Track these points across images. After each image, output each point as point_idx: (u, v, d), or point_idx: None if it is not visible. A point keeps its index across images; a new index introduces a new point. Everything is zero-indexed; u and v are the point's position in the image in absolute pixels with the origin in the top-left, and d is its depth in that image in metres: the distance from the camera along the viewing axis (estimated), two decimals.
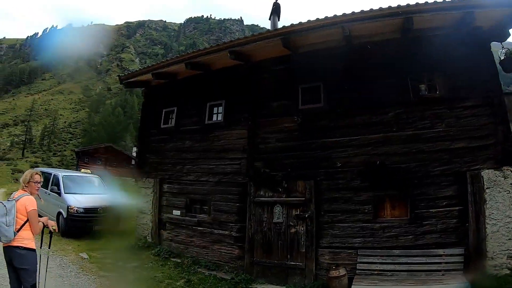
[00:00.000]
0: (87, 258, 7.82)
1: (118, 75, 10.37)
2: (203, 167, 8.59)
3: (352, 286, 5.95)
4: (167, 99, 9.69)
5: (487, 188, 5.91)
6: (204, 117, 8.84)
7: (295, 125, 7.45)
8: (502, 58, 6.27)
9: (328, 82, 7.25)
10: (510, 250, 5.72)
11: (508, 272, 5.71)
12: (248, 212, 7.60)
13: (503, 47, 6.34)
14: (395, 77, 6.75)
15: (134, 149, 40.56)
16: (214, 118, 8.80)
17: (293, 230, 7.08)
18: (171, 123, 9.56)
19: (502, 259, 5.77)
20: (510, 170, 5.83)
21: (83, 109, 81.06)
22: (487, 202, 5.88)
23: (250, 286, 6.98)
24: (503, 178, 5.87)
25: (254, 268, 7.33)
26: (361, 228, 6.56)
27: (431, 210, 6.20)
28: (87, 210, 9.92)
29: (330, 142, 7.04)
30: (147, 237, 9.26)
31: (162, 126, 9.68)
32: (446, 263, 5.91)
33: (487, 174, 5.94)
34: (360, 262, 6.38)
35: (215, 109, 8.84)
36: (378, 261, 6.28)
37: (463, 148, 6.14)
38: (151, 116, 10.13)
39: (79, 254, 8.09)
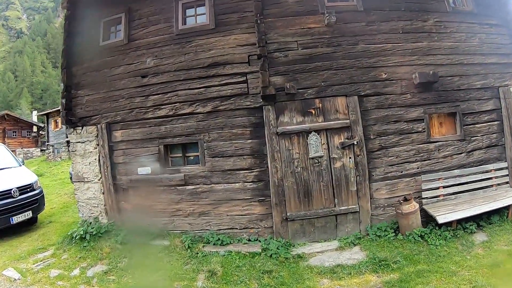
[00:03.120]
0: (19, 278, 4.30)
1: None
2: (183, 93, 5.26)
3: (437, 217, 4.59)
4: (107, 3, 5.62)
5: None
6: (176, 21, 5.48)
7: (324, 26, 5.30)
8: None
9: None
10: None
11: None
12: (269, 149, 4.97)
13: None
14: None
15: (35, 113, 34.24)
16: (191, 22, 5.52)
17: (338, 164, 5.01)
18: (117, 37, 5.77)
19: None
20: None
21: None
22: None
23: (293, 253, 4.54)
24: None
25: (289, 226, 4.86)
26: (417, 150, 5.24)
27: (476, 126, 5.57)
28: None
29: (372, 49, 5.32)
30: (100, 217, 5.30)
31: (102, 43, 5.89)
32: (496, 177, 5.40)
33: None
34: (425, 190, 5.06)
35: (189, 11, 5.59)
36: (441, 185, 5.12)
37: (494, 64, 5.81)
38: (81, 33, 5.98)
39: (3, 272, 4.64)
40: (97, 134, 5.64)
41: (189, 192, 5.10)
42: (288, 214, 4.87)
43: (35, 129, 30.81)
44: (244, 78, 5.18)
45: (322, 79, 5.16)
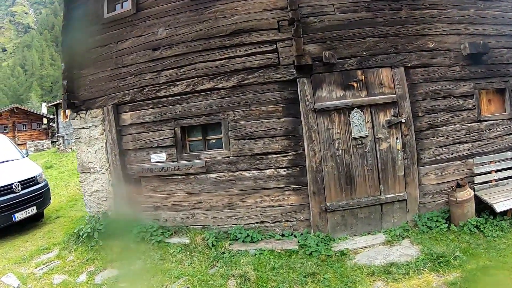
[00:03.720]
0: (18, 286, 3.70)
1: None
2: (201, 66, 4.44)
3: (494, 205, 4.03)
4: None
5: None
6: None
7: None
8: None
9: None
10: None
11: None
12: (306, 129, 4.21)
13: None
14: None
15: (44, 104, 33.48)
16: None
17: (384, 145, 4.32)
18: (124, 7, 4.98)
19: None
20: None
21: None
22: None
23: (335, 249, 3.86)
24: None
25: (329, 218, 4.15)
26: (467, 130, 4.63)
27: None
28: None
29: (417, 15, 4.63)
30: (109, 212, 4.58)
31: (106, 15, 5.13)
32: None
33: None
34: (478, 174, 4.47)
35: None
36: (493, 168, 4.55)
37: None
38: (83, 6, 5.27)
39: (1, 279, 4.08)
40: (103, 118, 4.85)
41: (211, 181, 4.31)
42: (327, 204, 4.16)
43: (45, 121, 30.14)
44: (274, 47, 4.38)
45: (364, 47, 4.43)
